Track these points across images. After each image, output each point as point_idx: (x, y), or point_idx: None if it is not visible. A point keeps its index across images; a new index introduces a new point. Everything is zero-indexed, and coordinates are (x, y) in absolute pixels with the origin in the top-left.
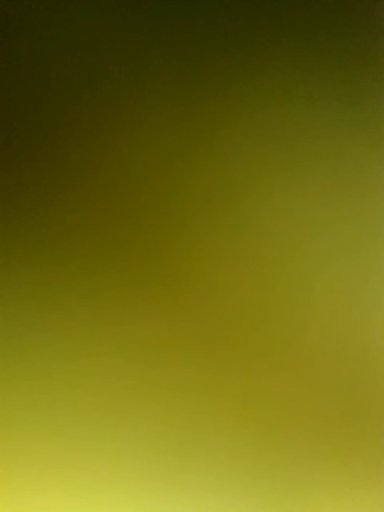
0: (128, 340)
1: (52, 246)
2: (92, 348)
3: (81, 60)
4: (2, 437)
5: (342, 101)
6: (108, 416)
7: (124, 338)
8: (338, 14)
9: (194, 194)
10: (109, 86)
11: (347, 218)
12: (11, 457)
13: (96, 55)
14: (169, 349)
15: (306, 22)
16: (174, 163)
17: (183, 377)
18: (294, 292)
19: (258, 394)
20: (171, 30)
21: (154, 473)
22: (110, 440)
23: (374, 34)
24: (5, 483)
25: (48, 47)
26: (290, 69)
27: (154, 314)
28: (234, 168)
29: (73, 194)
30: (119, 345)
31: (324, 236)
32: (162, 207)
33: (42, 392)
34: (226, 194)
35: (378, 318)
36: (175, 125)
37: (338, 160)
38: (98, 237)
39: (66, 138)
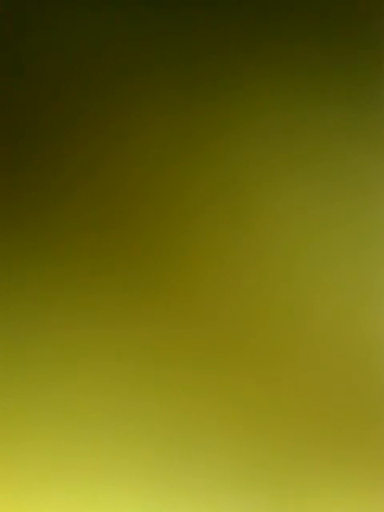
0: (129, 342)
1: (52, 249)
2: (93, 350)
3: (82, 63)
4: (3, 438)
5: (343, 103)
6: (109, 417)
7: (125, 339)
8: (340, 17)
9: (194, 197)
10: (110, 89)
11: (349, 220)
12: (12, 458)
13: (97, 58)
14: (171, 351)
15: (307, 26)
16: (174, 166)
17: (185, 379)
18: (294, 294)
19: (259, 396)
20: (173, 32)
21: (154, 474)
22: (111, 441)
23: (376, 36)
24: (6, 484)
25: (48, 50)
26: (291, 72)
27: (155, 316)
28: (234, 171)
29: (73, 197)
30: (120, 346)
31: (325, 238)
32: (163, 210)
33: (43, 393)
34: (226, 197)
35: (379, 319)
36: (176, 128)
37: (339, 163)
38: (99, 239)
39: (67, 140)
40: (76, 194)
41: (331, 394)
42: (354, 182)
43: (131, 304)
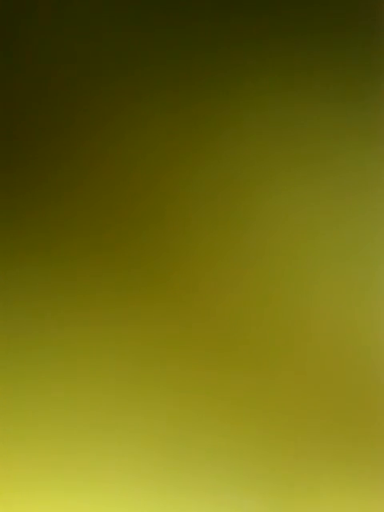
0: (129, 339)
1: (51, 246)
2: (92, 348)
3: (81, 59)
4: (2, 437)
5: (344, 100)
6: (109, 415)
7: (125, 337)
8: (340, 13)
9: (194, 194)
10: (110, 85)
11: (349, 218)
12: (11, 457)
13: (96, 54)
14: (171, 348)
15: (308, 22)
16: (173, 163)
17: (185, 377)
18: (294, 292)
19: (260, 394)
20: (172, 28)
21: (155, 472)
22: (110, 440)
23: (376, 33)
24: (5, 483)
25: (48, 47)
26: (292, 69)
27: (155, 314)
28: (233, 169)
29: (72, 194)
30: (120, 344)
31: (326, 236)
32: (163, 207)
33: (42, 392)
34: (226, 194)
35: (379, 317)
36: (176, 124)
37: (339, 159)
38: (98, 236)
39: (66, 137)
40: (74, 191)
41: (332, 392)
42: (354, 179)
43: (131, 301)
